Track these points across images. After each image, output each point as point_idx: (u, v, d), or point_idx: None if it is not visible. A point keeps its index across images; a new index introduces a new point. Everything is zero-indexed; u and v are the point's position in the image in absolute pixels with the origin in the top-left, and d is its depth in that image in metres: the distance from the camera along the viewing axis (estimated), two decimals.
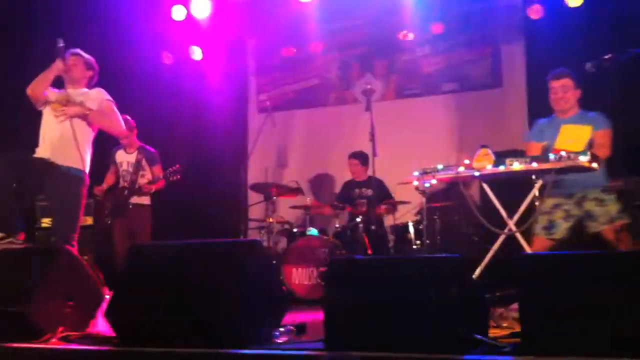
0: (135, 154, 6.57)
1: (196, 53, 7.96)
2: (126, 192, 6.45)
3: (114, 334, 3.70)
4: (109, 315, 3.72)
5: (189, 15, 7.59)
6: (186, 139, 8.16)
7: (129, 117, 6.23)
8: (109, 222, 6.39)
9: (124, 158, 6.61)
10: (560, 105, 4.78)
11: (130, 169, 6.53)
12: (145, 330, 3.59)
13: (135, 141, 6.63)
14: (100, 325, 3.92)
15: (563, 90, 4.76)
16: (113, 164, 6.67)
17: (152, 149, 6.68)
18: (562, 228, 4.64)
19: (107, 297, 4.00)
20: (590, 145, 4.53)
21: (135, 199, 6.46)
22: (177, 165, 6.51)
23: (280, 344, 3.63)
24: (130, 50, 7.51)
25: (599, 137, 4.60)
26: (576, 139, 4.61)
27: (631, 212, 5.14)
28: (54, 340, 3.64)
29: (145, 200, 6.53)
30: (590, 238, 4.62)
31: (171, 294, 3.66)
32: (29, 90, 4.80)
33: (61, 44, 4.78)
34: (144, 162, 6.55)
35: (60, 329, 3.75)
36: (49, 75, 4.79)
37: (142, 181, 6.50)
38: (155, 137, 7.10)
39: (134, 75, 7.56)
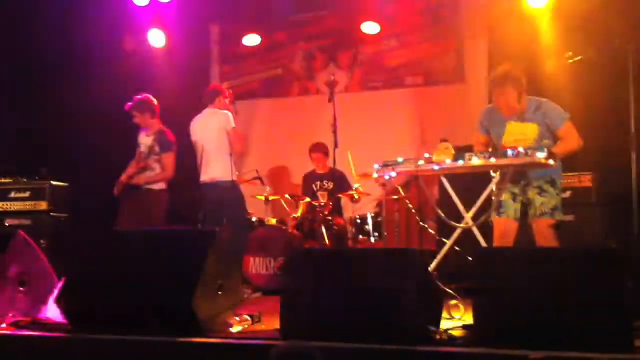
0: (152, 137, 6.20)
1: (158, 38, 7.82)
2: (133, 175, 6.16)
3: (65, 321, 3.64)
4: (61, 301, 3.66)
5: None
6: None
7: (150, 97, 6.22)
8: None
9: (143, 140, 6.28)
10: (503, 112, 4.65)
11: (145, 152, 6.18)
12: (97, 317, 3.55)
13: (154, 124, 6.25)
14: (52, 311, 3.85)
15: (506, 101, 4.59)
16: (137, 146, 6.35)
17: (171, 137, 6.24)
18: (512, 209, 4.62)
19: (60, 283, 3.93)
20: (541, 141, 4.51)
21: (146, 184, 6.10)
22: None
23: (235, 333, 3.62)
24: (88, 34, 7.37)
25: (562, 133, 4.54)
26: (522, 136, 4.52)
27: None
28: (3, 325, 3.58)
29: (157, 185, 6.13)
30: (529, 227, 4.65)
31: (124, 281, 3.63)
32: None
33: None
34: (157, 147, 6.15)
35: (10, 314, 3.69)
36: None
37: (154, 166, 6.14)
38: (113, 127, 6.98)
39: (91, 61, 7.44)
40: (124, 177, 6.18)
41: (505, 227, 4.62)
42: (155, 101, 6.28)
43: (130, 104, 6.24)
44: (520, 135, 4.55)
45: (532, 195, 4.58)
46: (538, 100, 4.66)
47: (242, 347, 3.30)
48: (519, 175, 4.57)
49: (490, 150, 4.67)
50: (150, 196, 6.10)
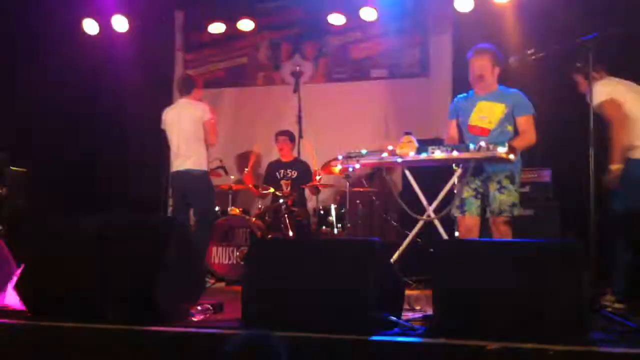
0: None
1: (121, 23, 7.69)
2: None
3: (24, 308, 3.60)
4: (20, 288, 3.61)
5: None
6: (107, 114, 7.91)
7: None
8: None
9: None
10: (478, 82, 4.80)
11: None
12: (58, 304, 3.51)
13: None
14: (11, 298, 3.80)
15: (481, 68, 4.76)
16: None
17: None
18: (474, 206, 4.70)
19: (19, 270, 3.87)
20: (505, 124, 4.65)
21: None
22: None
23: (196, 322, 3.61)
24: (49, 17, 7.23)
25: (522, 124, 4.65)
26: (489, 115, 4.67)
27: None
28: None
29: None
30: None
31: (86, 268, 3.59)
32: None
33: None
34: None
35: None
36: None
37: None
38: (72, 114, 6.86)
39: (51, 45, 7.30)
40: None
41: (469, 224, 4.70)
42: None
43: None
44: (487, 113, 4.69)
45: (493, 189, 4.64)
46: (510, 88, 4.80)
47: (203, 336, 3.30)
48: (479, 169, 4.64)
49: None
50: None
